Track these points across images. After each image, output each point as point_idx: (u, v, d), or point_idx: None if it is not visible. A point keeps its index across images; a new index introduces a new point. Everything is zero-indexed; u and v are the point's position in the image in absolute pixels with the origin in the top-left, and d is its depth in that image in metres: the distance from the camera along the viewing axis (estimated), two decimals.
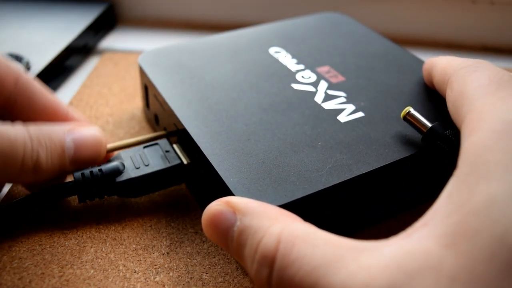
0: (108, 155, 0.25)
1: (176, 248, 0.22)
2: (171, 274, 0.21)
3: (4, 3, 0.43)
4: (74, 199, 0.25)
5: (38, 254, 0.22)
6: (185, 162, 0.24)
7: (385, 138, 0.22)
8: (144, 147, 0.24)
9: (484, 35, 0.43)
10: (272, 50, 0.30)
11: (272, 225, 0.16)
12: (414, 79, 0.27)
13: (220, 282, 0.21)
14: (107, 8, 0.44)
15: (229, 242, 0.17)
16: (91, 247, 0.22)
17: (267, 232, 0.16)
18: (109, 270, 0.21)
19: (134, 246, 0.22)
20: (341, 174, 0.20)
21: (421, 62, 0.29)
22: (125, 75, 0.37)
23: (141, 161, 0.24)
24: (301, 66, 0.28)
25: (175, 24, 0.46)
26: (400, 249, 0.14)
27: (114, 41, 0.43)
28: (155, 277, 0.21)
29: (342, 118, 0.24)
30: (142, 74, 0.29)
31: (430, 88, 0.26)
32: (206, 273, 0.21)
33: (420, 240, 0.14)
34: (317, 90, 0.26)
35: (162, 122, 0.28)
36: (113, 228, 0.23)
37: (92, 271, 0.21)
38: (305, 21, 0.35)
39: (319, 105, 0.25)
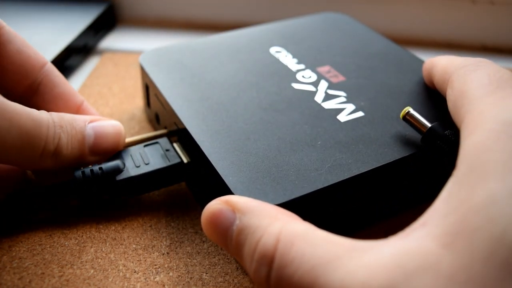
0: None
1: (176, 248, 0.22)
2: (171, 274, 0.21)
3: (4, 3, 0.43)
4: (74, 199, 0.25)
5: (38, 254, 0.22)
6: (185, 161, 0.24)
7: (384, 138, 0.22)
8: (145, 145, 0.25)
9: (484, 35, 0.43)
10: (273, 50, 0.30)
11: (271, 224, 0.16)
12: (414, 79, 0.27)
13: (220, 282, 0.21)
14: (107, 8, 0.44)
15: (228, 241, 0.17)
16: (91, 247, 0.22)
17: (266, 231, 0.16)
18: (109, 270, 0.21)
19: (134, 246, 0.22)
20: (340, 173, 0.20)
21: (421, 62, 0.29)
22: (125, 75, 0.37)
23: (141, 160, 0.24)
24: (302, 66, 0.28)
25: (175, 24, 0.46)
26: (398, 248, 0.14)
27: (114, 41, 0.43)
28: (155, 277, 0.21)
29: (342, 117, 0.24)
30: (143, 73, 0.29)
31: (430, 88, 0.26)
32: (206, 273, 0.21)
33: (418, 240, 0.14)
34: (317, 90, 0.26)
35: (162, 121, 0.28)
36: (113, 228, 0.23)
37: (92, 271, 0.21)
38: (306, 21, 0.35)
39: (319, 105, 0.25)
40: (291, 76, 0.27)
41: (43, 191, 0.22)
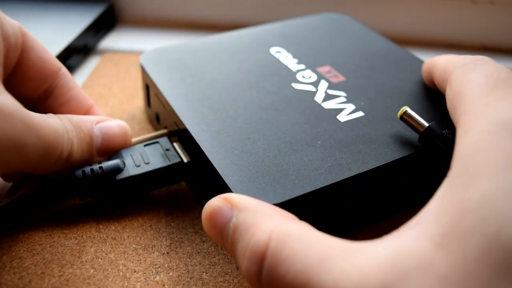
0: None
1: (176, 248, 0.22)
2: (171, 273, 0.21)
3: (4, 3, 0.43)
4: (74, 198, 0.25)
5: (38, 253, 0.22)
6: (185, 160, 0.24)
7: (384, 138, 0.22)
8: (145, 145, 0.25)
9: (484, 35, 0.43)
10: (273, 50, 0.30)
11: (265, 223, 0.16)
12: (414, 79, 0.27)
13: (220, 281, 0.21)
14: (107, 8, 0.44)
15: (225, 238, 0.17)
16: (91, 246, 0.22)
17: (259, 229, 0.15)
18: (109, 270, 0.21)
19: (134, 246, 0.22)
20: (340, 173, 0.20)
21: (421, 62, 0.29)
22: (125, 75, 0.37)
23: (141, 159, 0.24)
24: (302, 66, 0.28)
25: (175, 24, 0.46)
26: (392, 248, 0.13)
27: (114, 41, 0.43)
28: (155, 277, 0.21)
29: (342, 117, 0.24)
30: (144, 73, 0.29)
31: (429, 88, 0.26)
32: (206, 273, 0.21)
33: (412, 240, 0.13)
34: (317, 90, 0.26)
35: (163, 121, 0.28)
36: (113, 228, 0.23)
37: (92, 270, 0.21)
38: (306, 21, 0.35)
39: (319, 105, 0.25)
40: (291, 76, 0.27)
41: (43, 191, 0.22)
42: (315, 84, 0.27)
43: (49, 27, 0.39)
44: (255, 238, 0.15)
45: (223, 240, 0.17)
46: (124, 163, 0.23)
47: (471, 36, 0.43)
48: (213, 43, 0.31)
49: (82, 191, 0.23)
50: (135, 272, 0.21)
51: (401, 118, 0.22)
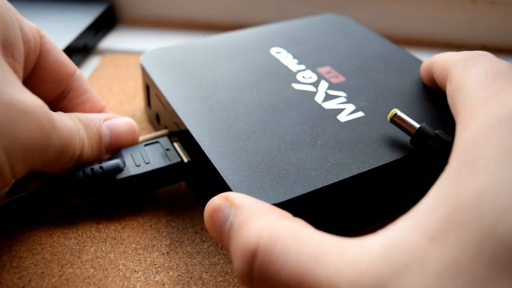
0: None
1: (176, 247, 0.22)
2: (171, 273, 0.21)
3: None
4: (74, 198, 0.25)
5: (38, 253, 0.22)
6: (185, 160, 0.24)
7: (384, 138, 0.22)
8: (145, 145, 0.25)
9: (484, 35, 0.43)
10: (273, 51, 0.30)
11: (257, 220, 0.16)
12: (414, 80, 0.27)
13: (220, 281, 0.21)
14: (107, 8, 0.44)
15: (223, 237, 0.17)
16: (91, 246, 0.22)
17: (250, 226, 0.15)
18: (109, 270, 0.21)
19: (134, 245, 0.22)
20: (340, 173, 0.20)
21: (420, 63, 0.29)
22: (125, 76, 0.37)
23: (141, 159, 0.24)
24: (302, 67, 0.28)
25: (175, 24, 0.46)
26: (386, 242, 0.13)
27: (114, 41, 0.43)
28: (155, 277, 0.21)
29: (342, 117, 0.24)
30: (144, 73, 0.29)
31: (429, 88, 0.26)
32: (206, 273, 0.21)
33: (406, 233, 0.13)
34: (317, 90, 0.26)
35: (163, 121, 0.28)
36: (113, 227, 0.23)
37: (92, 270, 0.21)
38: (306, 22, 0.35)
39: (319, 105, 0.25)
40: (292, 76, 0.27)
41: (43, 190, 0.22)
42: (315, 84, 0.27)
43: (49, 27, 0.39)
44: (246, 236, 0.15)
45: (221, 238, 0.17)
46: (124, 163, 0.23)
47: (471, 36, 0.43)
48: (214, 44, 0.31)
49: (83, 191, 0.23)
50: (135, 271, 0.21)
51: (391, 120, 0.22)
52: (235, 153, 0.21)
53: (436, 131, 0.21)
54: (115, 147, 0.24)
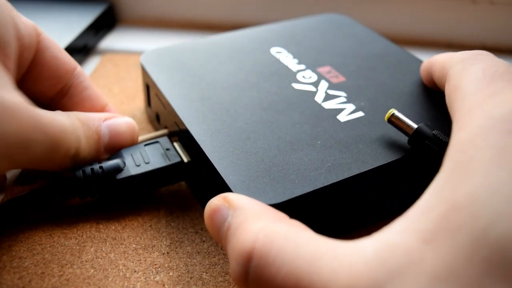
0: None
1: (176, 247, 0.22)
2: (171, 273, 0.21)
3: None
4: (74, 198, 0.25)
5: (38, 253, 0.22)
6: (185, 160, 0.24)
7: (384, 138, 0.22)
8: (145, 145, 0.25)
9: (484, 35, 0.43)
10: (274, 50, 0.30)
11: (253, 222, 0.15)
12: (414, 80, 0.27)
13: (220, 281, 0.21)
14: (107, 8, 0.44)
15: (222, 238, 0.16)
16: (91, 246, 0.22)
17: (246, 229, 0.15)
18: (109, 270, 0.21)
19: (134, 245, 0.22)
20: (340, 173, 0.20)
21: (420, 63, 0.29)
22: (125, 76, 0.37)
23: (141, 159, 0.24)
24: (302, 66, 0.28)
25: (175, 24, 0.46)
26: (380, 244, 0.13)
27: (114, 41, 0.43)
28: (155, 277, 0.21)
29: (342, 117, 0.24)
30: (144, 73, 0.29)
31: (429, 88, 0.26)
32: (206, 273, 0.21)
33: (400, 235, 0.13)
34: (317, 90, 0.26)
35: (163, 120, 0.28)
36: (113, 227, 0.23)
37: (92, 270, 0.21)
38: (306, 22, 0.35)
39: (319, 105, 0.25)
40: (292, 76, 0.27)
41: (43, 191, 0.22)
42: (315, 84, 0.27)
43: (49, 27, 0.39)
44: (242, 238, 0.15)
45: (220, 239, 0.17)
46: (124, 163, 0.23)
47: (471, 36, 0.43)
48: (214, 44, 0.31)
49: (83, 191, 0.23)
50: (135, 272, 0.21)
51: (389, 121, 0.22)
52: (235, 153, 0.21)
53: (434, 131, 0.21)
54: (114, 146, 0.24)
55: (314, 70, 0.28)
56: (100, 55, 0.41)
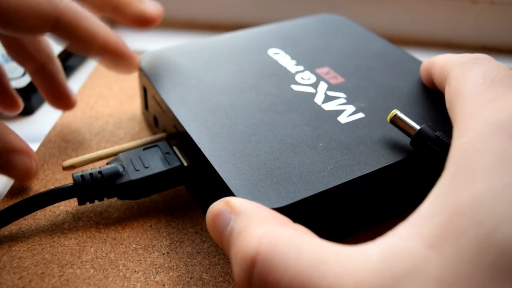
0: None
1: (176, 248, 0.22)
2: (171, 273, 0.21)
3: None
4: (74, 200, 0.25)
5: (38, 253, 0.22)
6: (185, 164, 0.24)
7: (385, 139, 0.22)
8: (144, 149, 0.24)
9: (484, 35, 0.43)
10: (271, 52, 0.30)
11: (257, 227, 0.15)
12: (413, 80, 0.27)
13: (220, 282, 0.21)
14: None
15: (224, 242, 0.16)
16: (91, 246, 0.22)
17: (250, 233, 0.15)
18: (109, 270, 0.21)
19: (134, 246, 0.22)
20: (343, 175, 0.20)
21: (419, 63, 0.29)
22: (125, 75, 0.37)
23: (141, 163, 0.23)
24: (301, 68, 0.28)
25: (175, 24, 0.46)
26: (385, 249, 0.13)
27: None
28: (155, 277, 0.21)
29: (343, 119, 0.24)
30: (141, 75, 0.29)
31: (429, 89, 0.26)
32: (206, 273, 0.21)
33: (404, 240, 0.13)
34: (317, 91, 0.26)
35: (161, 124, 0.28)
36: (113, 228, 0.23)
37: (92, 270, 0.21)
38: (304, 22, 0.34)
39: (319, 106, 0.25)
40: (290, 77, 0.27)
41: (42, 196, 0.22)
42: (315, 85, 0.26)
43: None
44: (245, 243, 0.15)
45: (223, 244, 0.17)
46: (123, 168, 0.23)
47: (471, 36, 0.43)
48: (211, 45, 0.31)
49: (82, 196, 0.23)
50: (135, 272, 0.21)
51: (391, 121, 0.22)
52: (236, 156, 0.21)
53: (436, 133, 0.21)
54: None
55: (312, 71, 0.28)
56: None
